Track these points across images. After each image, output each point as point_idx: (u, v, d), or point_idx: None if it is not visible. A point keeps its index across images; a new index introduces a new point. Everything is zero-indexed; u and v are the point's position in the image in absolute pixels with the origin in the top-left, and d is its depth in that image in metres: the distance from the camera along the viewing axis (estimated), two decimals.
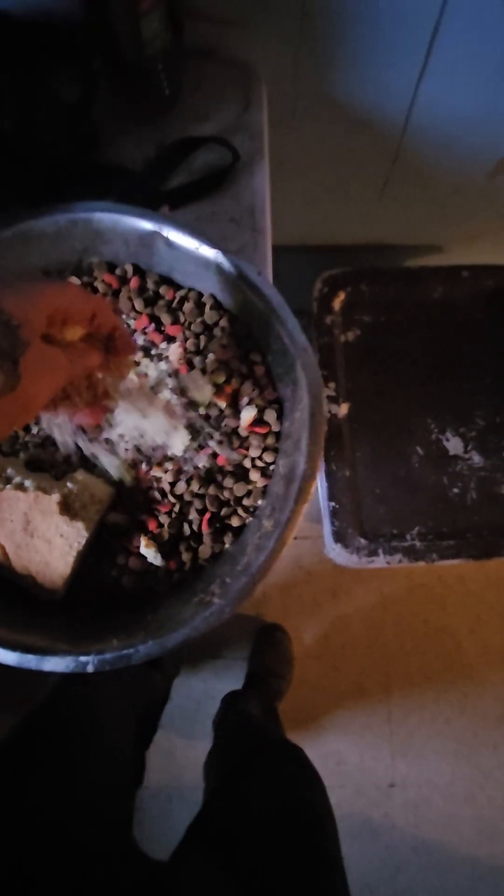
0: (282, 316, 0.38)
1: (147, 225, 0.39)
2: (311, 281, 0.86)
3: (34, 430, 0.41)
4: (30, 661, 0.32)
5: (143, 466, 0.40)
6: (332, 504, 0.81)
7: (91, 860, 0.42)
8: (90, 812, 0.46)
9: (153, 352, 0.42)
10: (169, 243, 0.40)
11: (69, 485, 0.37)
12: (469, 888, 1.03)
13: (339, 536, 0.80)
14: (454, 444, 0.84)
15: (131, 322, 0.43)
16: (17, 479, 0.37)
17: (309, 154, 0.69)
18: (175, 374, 0.41)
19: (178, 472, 0.40)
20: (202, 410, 0.41)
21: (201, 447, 0.41)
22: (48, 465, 0.41)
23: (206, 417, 0.41)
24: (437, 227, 0.88)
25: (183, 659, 1.08)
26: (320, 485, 0.82)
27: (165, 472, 0.40)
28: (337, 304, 0.86)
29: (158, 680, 0.87)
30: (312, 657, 1.12)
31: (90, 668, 0.32)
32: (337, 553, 0.80)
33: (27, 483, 0.36)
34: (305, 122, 0.64)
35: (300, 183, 0.75)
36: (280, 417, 0.41)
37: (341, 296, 0.86)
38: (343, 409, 0.84)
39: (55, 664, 0.32)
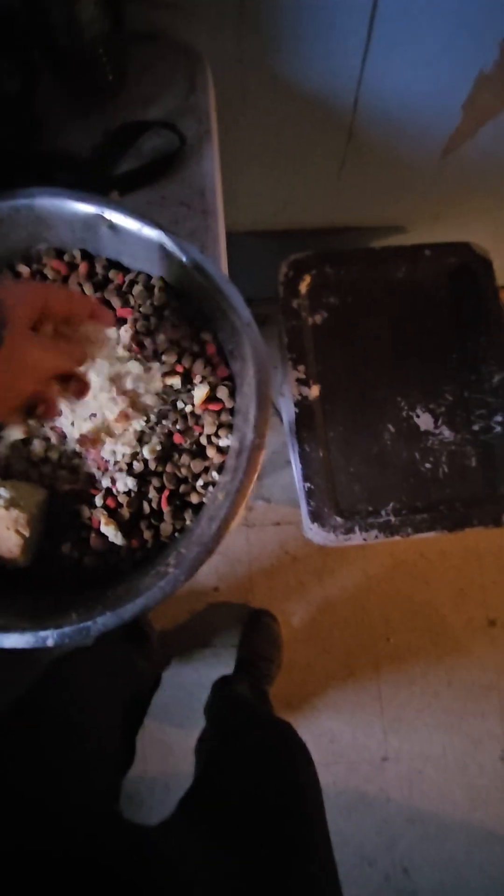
0: (226, 293, 0.38)
1: (89, 208, 0.39)
2: (278, 266, 0.86)
3: None
4: None
5: (94, 448, 0.41)
6: (307, 485, 0.82)
7: (70, 830, 0.43)
8: (69, 788, 0.48)
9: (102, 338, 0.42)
10: (113, 226, 0.40)
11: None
12: (465, 854, 1.06)
13: (315, 516, 0.81)
14: (425, 420, 0.86)
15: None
16: None
17: (265, 137, 0.69)
18: (129, 356, 0.42)
19: (134, 454, 0.41)
20: (155, 391, 0.41)
21: (155, 427, 0.42)
22: None
23: (160, 397, 0.42)
24: (397, 207, 0.89)
25: (171, 650, 1.09)
26: (295, 467, 0.83)
27: (120, 454, 0.41)
28: (303, 287, 0.87)
29: (146, 666, 0.88)
30: (301, 640, 1.13)
31: (50, 643, 0.33)
32: (314, 533, 0.81)
33: None
34: (257, 105, 0.64)
35: (259, 167, 0.76)
36: (233, 394, 0.42)
37: (307, 279, 0.87)
38: (314, 391, 0.85)
39: (15, 640, 0.33)
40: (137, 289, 0.43)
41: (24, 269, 0.43)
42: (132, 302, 0.43)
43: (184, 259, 0.39)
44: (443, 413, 0.86)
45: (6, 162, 0.47)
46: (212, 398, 0.42)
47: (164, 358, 0.42)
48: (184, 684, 1.10)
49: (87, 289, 0.43)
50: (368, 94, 0.64)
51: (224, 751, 0.69)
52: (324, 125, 0.69)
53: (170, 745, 1.06)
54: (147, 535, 0.41)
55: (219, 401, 0.42)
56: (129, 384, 0.41)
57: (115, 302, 0.43)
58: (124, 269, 0.44)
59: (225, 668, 1.09)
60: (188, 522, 0.42)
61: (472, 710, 1.12)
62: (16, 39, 0.47)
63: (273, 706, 0.98)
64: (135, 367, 0.41)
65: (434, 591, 1.15)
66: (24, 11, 0.46)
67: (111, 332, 0.42)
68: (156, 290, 0.43)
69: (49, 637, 0.33)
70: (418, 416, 0.86)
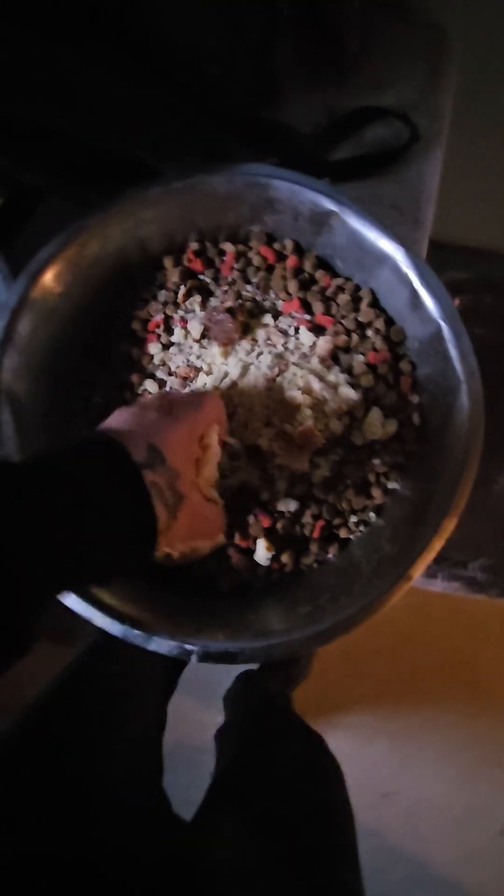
0: (455, 331, 0.34)
1: (326, 202, 0.36)
2: None
3: None
4: (136, 636, 0.32)
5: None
6: None
7: (126, 814, 0.43)
8: (126, 765, 0.48)
9: (294, 343, 0.39)
10: (344, 226, 0.36)
11: None
12: None
13: None
14: None
15: (279, 303, 0.40)
16: None
17: (493, 139, 0.61)
18: (321, 370, 0.38)
19: (301, 476, 0.38)
20: (339, 413, 0.38)
21: (329, 451, 0.39)
22: None
23: (342, 421, 0.39)
24: None
25: None
26: None
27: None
28: None
29: None
30: (335, 654, 1.11)
31: (194, 658, 0.32)
32: None
33: None
34: (498, 101, 0.56)
35: (469, 171, 0.67)
36: (418, 438, 0.38)
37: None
38: None
39: (160, 646, 0.32)
40: (344, 298, 0.39)
41: (228, 248, 0.40)
42: (335, 311, 0.39)
43: (417, 285, 0.34)
44: None
45: (232, 120, 0.43)
46: (394, 436, 0.38)
47: (356, 381, 0.38)
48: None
49: (292, 286, 0.39)
50: None
51: (258, 752, 0.69)
52: None
53: (183, 714, 1.08)
54: (286, 558, 0.39)
55: (400, 439, 0.38)
56: (317, 400, 0.38)
57: (318, 307, 0.39)
58: (333, 273, 0.40)
59: None
60: (330, 556, 0.39)
61: (486, 775, 1.09)
62: None
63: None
64: (326, 383, 0.38)
65: (483, 651, 1.10)
66: None
67: (306, 336, 0.39)
68: (363, 303, 0.39)
69: (194, 652, 0.32)
70: None
